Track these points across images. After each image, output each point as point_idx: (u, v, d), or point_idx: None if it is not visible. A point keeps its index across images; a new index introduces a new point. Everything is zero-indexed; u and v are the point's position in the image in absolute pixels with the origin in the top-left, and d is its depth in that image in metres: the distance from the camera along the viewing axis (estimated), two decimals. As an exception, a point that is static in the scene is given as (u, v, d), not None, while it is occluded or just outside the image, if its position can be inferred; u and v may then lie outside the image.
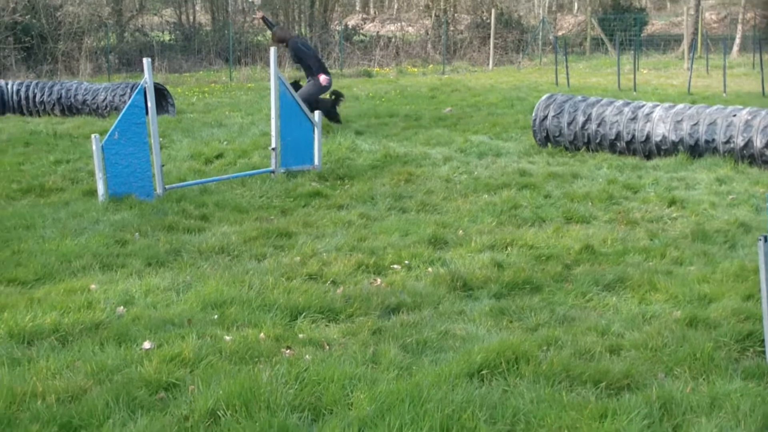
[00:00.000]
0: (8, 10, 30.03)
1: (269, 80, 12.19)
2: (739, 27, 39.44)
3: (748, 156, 11.74)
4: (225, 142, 14.70)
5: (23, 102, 19.91)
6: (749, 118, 11.83)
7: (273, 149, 11.73)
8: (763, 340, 5.46)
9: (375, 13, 52.58)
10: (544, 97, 14.22)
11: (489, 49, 36.49)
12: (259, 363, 5.42)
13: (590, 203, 10.02)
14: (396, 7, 51.26)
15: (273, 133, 11.78)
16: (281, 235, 8.76)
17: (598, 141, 13.23)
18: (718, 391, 4.95)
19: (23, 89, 20.01)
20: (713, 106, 12.78)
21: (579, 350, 5.60)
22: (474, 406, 4.71)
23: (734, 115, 12.01)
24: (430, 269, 7.55)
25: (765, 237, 5.19)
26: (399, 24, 43.26)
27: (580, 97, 13.98)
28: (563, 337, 5.84)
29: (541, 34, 40.18)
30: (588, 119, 13.31)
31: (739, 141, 11.78)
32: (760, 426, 4.55)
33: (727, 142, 11.95)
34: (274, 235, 8.70)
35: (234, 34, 34.55)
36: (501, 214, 9.50)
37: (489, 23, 37.32)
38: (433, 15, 40.46)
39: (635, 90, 23.39)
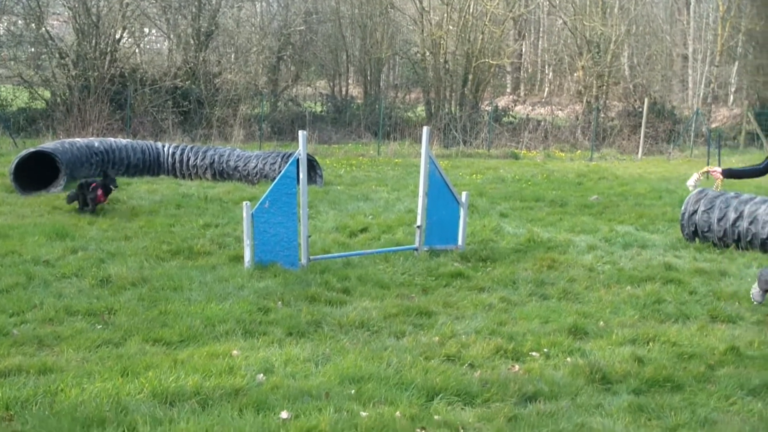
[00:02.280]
0: (170, 75, 31.33)
1: (417, 156, 12.36)
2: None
3: None
4: (370, 216, 14.92)
5: (177, 165, 20.64)
6: None
7: (418, 227, 11.85)
8: None
9: (526, 95, 52.78)
10: (695, 192, 14.00)
11: (639, 137, 36.11)
12: (393, 441, 5.46)
13: (737, 303, 9.79)
14: (547, 91, 51.38)
15: (419, 210, 11.91)
16: (421, 313, 8.83)
17: (748, 239, 12.94)
18: None
19: (178, 152, 20.76)
20: (731, 191, 12.41)
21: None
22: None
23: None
24: (569, 359, 7.50)
25: None
26: (549, 107, 43.28)
27: (732, 194, 13.72)
28: (703, 440, 5.72)
29: (694, 125, 39.60)
30: (740, 216, 13.04)
31: None
32: None
33: None
34: (414, 313, 8.78)
35: (384, 108, 35.13)
36: (644, 308, 9.38)
37: (641, 111, 36.98)
38: (584, 101, 40.36)
39: (790, 187, 22.80)
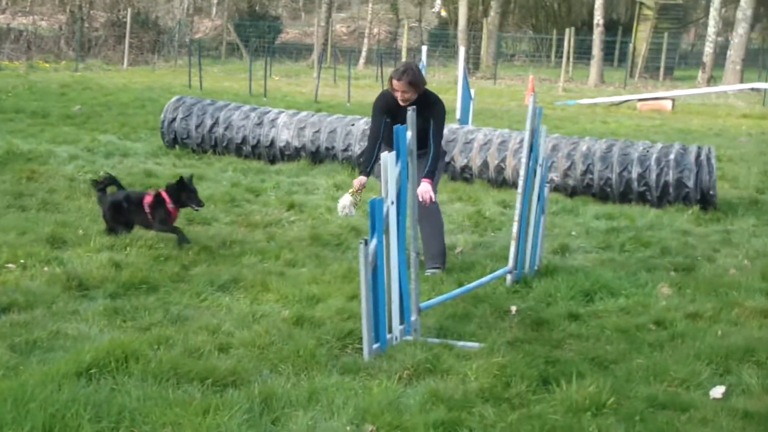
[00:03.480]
0: None
1: None
2: (366, 41, 41.35)
3: (365, 164, 12.43)
4: None
5: None
6: (366, 128, 12.53)
7: None
8: (361, 338, 5.84)
9: (7, 4, 50.14)
10: (173, 99, 14.28)
11: (124, 48, 35.89)
12: None
13: (213, 205, 10.20)
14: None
15: None
16: None
17: (225, 144, 13.48)
18: (317, 385, 5.25)
19: None
20: (334, 114, 13.41)
21: (189, 349, 5.73)
22: (79, 405, 4.70)
23: (353, 125, 12.67)
24: (46, 269, 7.42)
25: (365, 240, 5.58)
26: (32, 17, 41.49)
27: (209, 101, 14.17)
28: (175, 336, 5.95)
29: (177, 36, 40.06)
30: (216, 123, 13.53)
31: (357, 149, 12.44)
32: (351, 416, 4.89)
33: (346, 149, 12.60)
34: None
35: None
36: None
37: (125, 22, 36.71)
38: (68, 10, 39.20)
39: (266, 96, 23.97)
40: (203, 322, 6.34)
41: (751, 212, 10.92)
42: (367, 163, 8.00)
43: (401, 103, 7.76)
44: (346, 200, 7.70)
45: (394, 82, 7.75)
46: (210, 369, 5.36)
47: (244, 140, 13.30)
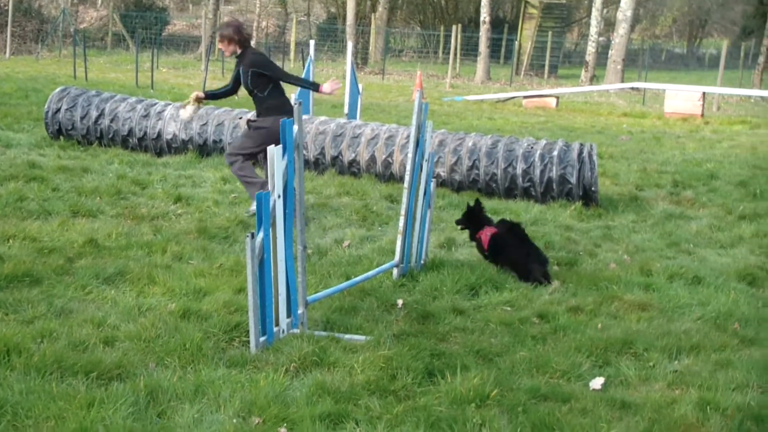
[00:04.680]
0: None
1: None
2: (254, 34, 41.03)
3: (253, 157, 12.42)
4: None
5: None
6: (254, 121, 12.54)
7: None
8: (248, 331, 5.86)
9: None
10: (57, 90, 14.02)
11: (6, 37, 34.99)
12: None
13: (99, 198, 10.08)
14: None
15: None
16: None
17: (111, 136, 13.29)
18: (203, 378, 5.27)
19: None
20: (222, 107, 13.35)
21: (73, 342, 5.68)
22: (-42, 400, 4.65)
23: (240, 118, 12.63)
24: None
25: (252, 234, 5.60)
26: None
27: (94, 92, 13.95)
28: (59, 329, 5.89)
29: (62, 25, 39.24)
30: (101, 114, 13.33)
31: (245, 143, 12.42)
32: (238, 409, 4.92)
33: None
34: None
35: None
36: (5, 206, 9.27)
37: (7, 10, 35.77)
38: (-55, -5, 38.10)
39: (153, 88, 23.66)
40: (88, 315, 6.28)
41: (631, 208, 11.24)
42: (213, 91, 10.19)
43: (226, 54, 9.79)
44: (188, 112, 9.93)
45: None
46: (95, 362, 5.33)
47: (131, 132, 13.13)
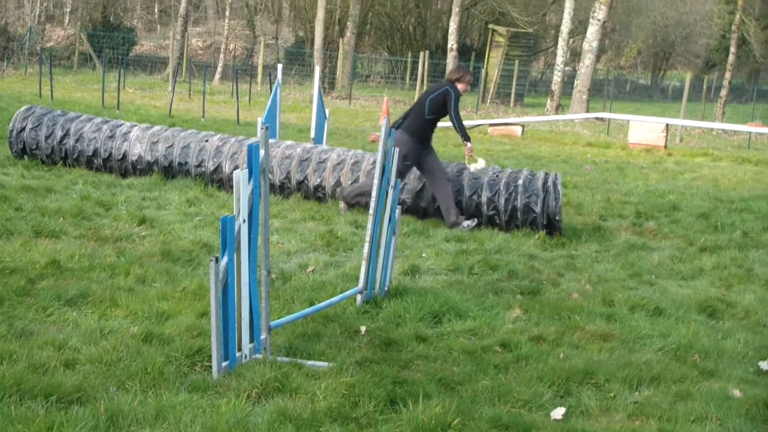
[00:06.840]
0: None
1: None
2: (222, 56, 41.11)
3: (218, 180, 12.41)
4: None
5: None
6: (220, 144, 12.53)
7: None
8: (210, 356, 5.84)
9: None
10: (22, 109, 13.95)
11: (-29, 53, 34.85)
12: None
13: (62, 218, 10.01)
14: None
15: None
16: None
17: (75, 156, 13.23)
18: (164, 403, 5.22)
19: None
20: (188, 129, 13.33)
21: (33, 364, 5.62)
22: None
23: (206, 140, 12.62)
24: None
25: (216, 258, 5.59)
26: None
27: (59, 112, 13.88)
28: (19, 351, 5.83)
29: (28, 43, 39.05)
30: (66, 134, 13.26)
31: (210, 165, 12.40)
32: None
33: (199, 165, 12.53)
34: None
35: None
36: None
37: (-28, 26, 35.66)
38: None
39: (119, 108, 23.59)
40: (49, 337, 6.22)
41: (594, 238, 11.31)
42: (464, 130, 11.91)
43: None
44: (481, 164, 11.50)
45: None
46: (55, 385, 5.27)
47: (96, 153, 13.07)
